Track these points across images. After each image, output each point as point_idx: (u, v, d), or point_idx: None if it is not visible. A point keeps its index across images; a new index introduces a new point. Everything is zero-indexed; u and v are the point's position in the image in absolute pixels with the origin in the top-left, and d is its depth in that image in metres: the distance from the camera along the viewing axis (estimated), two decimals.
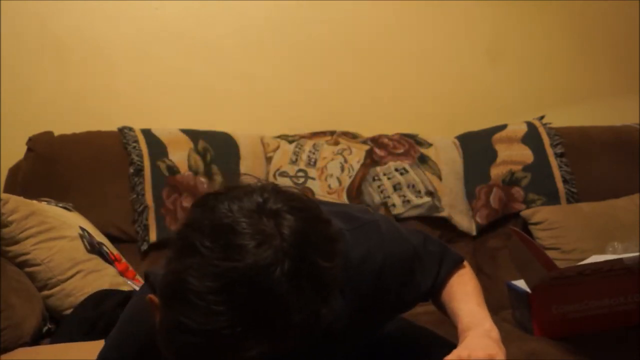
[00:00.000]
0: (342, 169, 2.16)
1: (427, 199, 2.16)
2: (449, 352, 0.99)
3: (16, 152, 2.04)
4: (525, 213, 2.17)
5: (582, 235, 2.08)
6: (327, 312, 0.79)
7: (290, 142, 2.20)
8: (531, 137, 2.30)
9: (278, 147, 2.18)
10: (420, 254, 1.11)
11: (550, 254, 2.02)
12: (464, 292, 1.12)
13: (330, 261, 0.80)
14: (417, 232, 1.18)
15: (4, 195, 1.68)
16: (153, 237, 1.98)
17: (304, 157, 2.16)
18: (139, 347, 0.98)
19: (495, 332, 1.03)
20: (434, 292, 1.14)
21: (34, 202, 1.77)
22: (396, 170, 2.18)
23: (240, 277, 0.75)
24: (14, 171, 2.03)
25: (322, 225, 0.83)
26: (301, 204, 0.83)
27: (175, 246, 0.80)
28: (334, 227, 0.84)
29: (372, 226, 1.06)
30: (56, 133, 2.08)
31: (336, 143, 2.22)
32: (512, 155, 2.26)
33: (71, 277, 1.66)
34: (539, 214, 2.15)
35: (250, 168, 2.10)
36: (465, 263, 1.19)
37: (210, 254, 0.76)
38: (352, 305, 0.99)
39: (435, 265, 1.13)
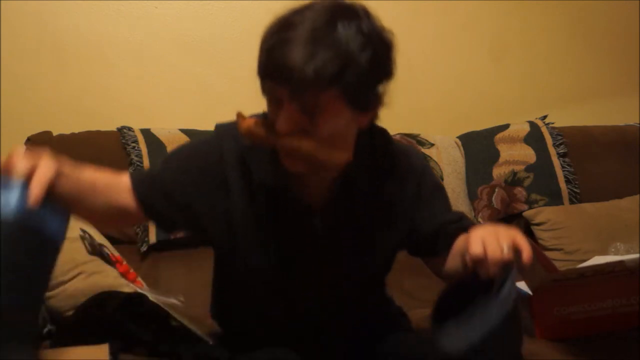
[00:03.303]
0: None
1: None
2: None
3: None
4: (528, 213, 2.17)
5: (585, 236, 2.07)
6: (360, 59, 1.06)
7: None
8: (534, 137, 2.29)
9: None
10: (448, 198, 1.32)
11: (553, 254, 2.02)
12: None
13: (376, 28, 1.10)
14: None
15: None
16: (153, 238, 1.97)
17: None
18: (190, 168, 1.24)
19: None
20: (452, 233, 1.19)
21: None
22: None
23: None
24: None
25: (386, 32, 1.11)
26: None
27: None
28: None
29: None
30: (55, 133, 2.07)
31: None
32: (514, 155, 2.25)
33: (72, 278, 1.65)
34: (542, 214, 2.14)
35: None
36: None
37: None
38: (380, 197, 1.21)
39: (456, 214, 1.29)
